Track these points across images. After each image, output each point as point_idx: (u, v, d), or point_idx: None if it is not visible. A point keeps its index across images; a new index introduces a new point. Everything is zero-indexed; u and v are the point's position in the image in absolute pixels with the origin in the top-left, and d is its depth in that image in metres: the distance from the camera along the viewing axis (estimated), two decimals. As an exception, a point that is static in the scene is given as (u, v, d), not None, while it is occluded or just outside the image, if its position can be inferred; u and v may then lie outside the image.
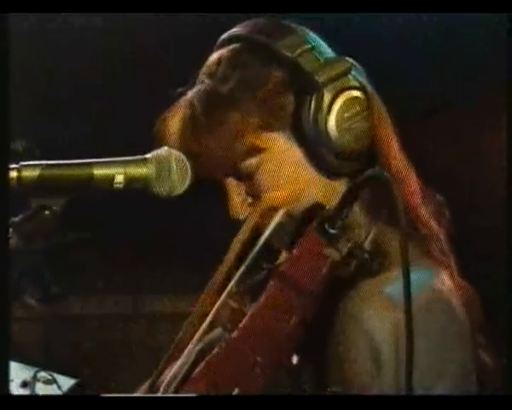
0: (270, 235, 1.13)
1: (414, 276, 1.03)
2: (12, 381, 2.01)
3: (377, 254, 1.08)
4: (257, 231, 1.22)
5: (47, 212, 1.01)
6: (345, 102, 1.16)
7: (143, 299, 2.94)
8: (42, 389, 2.00)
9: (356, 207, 1.15)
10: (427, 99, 2.32)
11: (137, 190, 1.07)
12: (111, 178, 1.04)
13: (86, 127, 2.66)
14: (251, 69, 1.18)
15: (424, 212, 1.22)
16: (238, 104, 1.17)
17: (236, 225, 1.30)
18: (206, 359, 1.07)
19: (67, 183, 1.02)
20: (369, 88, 1.20)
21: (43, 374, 2.02)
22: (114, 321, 2.92)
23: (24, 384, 2.00)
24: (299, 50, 1.17)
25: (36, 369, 2.03)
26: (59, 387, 2.01)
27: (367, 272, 1.08)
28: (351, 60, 1.20)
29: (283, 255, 1.20)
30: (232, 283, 1.11)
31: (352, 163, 1.18)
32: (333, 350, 1.10)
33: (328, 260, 1.06)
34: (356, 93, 1.17)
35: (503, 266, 1.34)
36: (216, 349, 1.07)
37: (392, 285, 1.09)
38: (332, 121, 1.16)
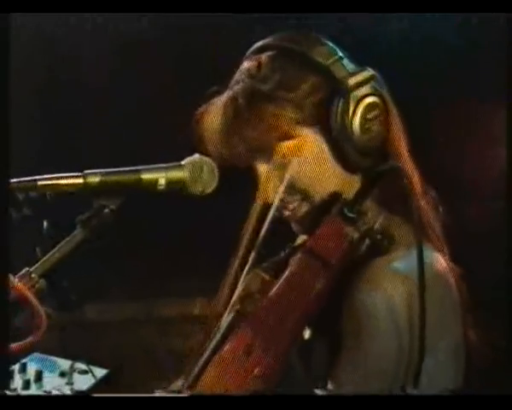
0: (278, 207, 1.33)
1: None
2: (51, 372, 2.24)
3: (387, 236, 1.31)
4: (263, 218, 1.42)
5: (106, 210, 1.27)
6: (366, 106, 1.38)
7: (156, 304, 3.02)
8: (78, 379, 2.21)
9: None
10: (428, 98, 2.37)
11: (176, 191, 1.32)
12: (155, 182, 1.30)
13: (87, 128, 2.70)
14: (289, 72, 1.39)
15: (424, 204, 1.44)
16: (276, 101, 1.37)
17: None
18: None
19: (122, 186, 1.28)
20: (386, 96, 1.42)
21: (78, 365, 2.23)
22: (129, 326, 2.99)
23: (62, 374, 2.21)
24: (331, 59, 1.39)
25: (72, 360, 2.24)
26: (94, 376, 2.21)
27: (379, 250, 1.30)
28: (372, 70, 1.41)
29: (301, 238, 1.43)
30: (254, 251, 1.32)
31: (368, 160, 1.39)
32: (350, 316, 1.30)
33: (347, 238, 1.28)
34: (375, 99, 1.39)
35: (502, 266, 1.51)
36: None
37: (400, 262, 1.32)
38: (356, 122, 1.37)
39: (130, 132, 2.59)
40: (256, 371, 1.22)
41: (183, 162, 1.33)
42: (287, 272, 1.28)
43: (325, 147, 1.40)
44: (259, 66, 1.40)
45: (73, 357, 2.27)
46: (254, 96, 1.38)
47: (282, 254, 1.40)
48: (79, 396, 1.99)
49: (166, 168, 1.31)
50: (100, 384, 2.21)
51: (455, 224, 1.48)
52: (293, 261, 1.29)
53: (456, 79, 2.35)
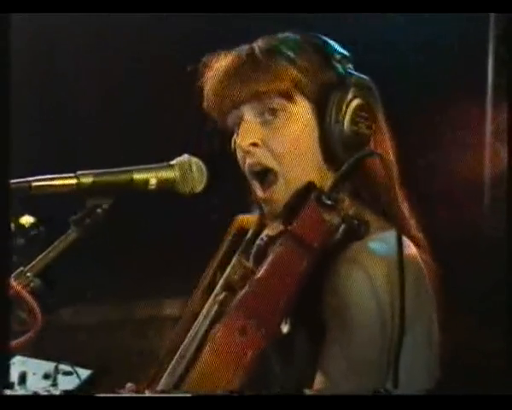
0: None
1: (394, 240, 1.34)
2: (34, 374, 2.25)
3: (363, 221, 1.37)
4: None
5: (99, 209, 1.30)
6: (358, 105, 1.46)
7: (131, 305, 3.08)
8: (62, 380, 2.23)
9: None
10: (421, 97, 2.46)
11: (165, 190, 1.36)
12: (146, 181, 1.33)
13: (87, 128, 2.76)
14: (308, 52, 1.49)
15: (402, 202, 1.52)
16: (290, 61, 1.45)
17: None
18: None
19: (114, 186, 1.31)
20: (376, 103, 1.51)
21: (63, 366, 2.25)
22: (104, 328, 3.04)
23: (46, 376, 2.22)
24: (341, 55, 1.50)
25: (56, 362, 2.26)
26: (78, 377, 2.23)
27: (355, 235, 1.36)
28: (368, 79, 1.51)
29: (273, 227, 1.48)
30: (243, 244, 1.39)
31: (348, 156, 1.43)
32: (332, 297, 1.36)
33: (327, 224, 1.34)
34: (367, 106, 1.47)
35: (503, 266, 1.58)
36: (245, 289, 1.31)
37: (376, 244, 1.39)
38: (348, 115, 1.45)
39: (127, 132, 2.61)
40: (249, 354, 1.26)
41: (172, 162, 1.37)
42: (271, 257, 1.33)
43: (314, 127, 1.47)
44: (284, 37, 1.51)
45: (54, 359, 2.29)
46: (273, 50, 1.47)
47: (260, 243, 1.45)
48: (71, 395, 2.02)
49: (157, 168, 1.34)
50: (84, 385, 2.23)
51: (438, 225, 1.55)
52: (277, 247, 1.34)
53: (449, 80, 2.43)
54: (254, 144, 1.46)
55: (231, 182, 1.49)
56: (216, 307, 1.40)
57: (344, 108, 1.45)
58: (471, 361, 2.11)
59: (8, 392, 1.29)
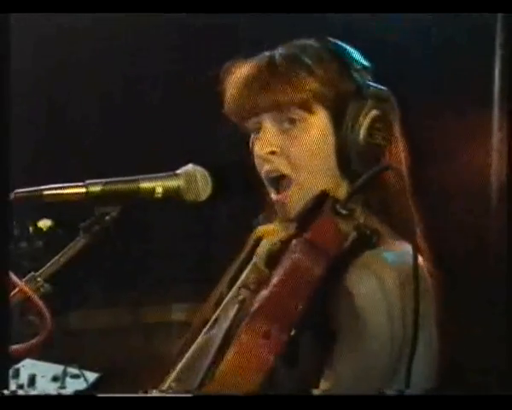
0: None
1: (405, 249, 1.38)
2: (43, 377, 2.30)
3: (374, 231, 1.41)
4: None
5: (107, 217, 1.35)
6: (375, 117, 1.49)
7: (141, 310, 3.07)
8: (70, 383, 2.28)
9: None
10: (426, 98, 2.44)
11: (171, 198, 1.41)
12: (152, 190, 1.38)
13: (86, 128, 2.74)
14: (328, 62, 1.51)
15: (412, 213, 1.54)
16: (310, 71, 1.49)
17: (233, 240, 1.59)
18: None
19: (121, 194, 1.36)
20: (394, 115, 1.53)
21: (71, 369, 2.30)
22: (113, 333, 3.03)
23: (54, 379, 2.27)
24: (360, 65, 1.53)
25: (64, 365, 2.31)
26: (86, 380, 2.28)
27: (367, 244, 1.41)
28: (386, 90, 1.53)
29: (282, 234, 1.51)
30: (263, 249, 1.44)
31: (362, 166, 1.48)
32: (343, 302, 1.38)
33: (341, 232, 1.39)
34: (384, 117, 1.50)
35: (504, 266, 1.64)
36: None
37: (388, 254, 1.43)
38: (364, 126, 1.48)
39: (133, 140, 2.61)
40: (271, 358, 1.29)
41: (178, 171, 1.41)
42: (289, 262, 1.37)
43: (331, 137, 1.51)
44: (304, 45, 1.54)
45: (63, 363, 2.33)
46: (292, 60, 1.50)
47: (273, 248, 1.49)
48: (77, 396, 2.06)
49: (163, 177, 1.39)
50: (92, 388, 2.28)
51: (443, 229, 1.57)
52: (293, 253, 1.38)
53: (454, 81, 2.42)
54: (273, 152, 1.50)
55: (239, 190, 1.52)
56: (236, 306, 1.45)
57: (361, 119, 1.48)
58: (471, 362, 2.13)
59: (7, 392, 1.31)
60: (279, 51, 1.53)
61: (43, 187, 1.30)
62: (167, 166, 1.44)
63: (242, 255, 1.58)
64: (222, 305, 1.52)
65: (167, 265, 2.82)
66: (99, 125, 2.69)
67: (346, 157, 1.49)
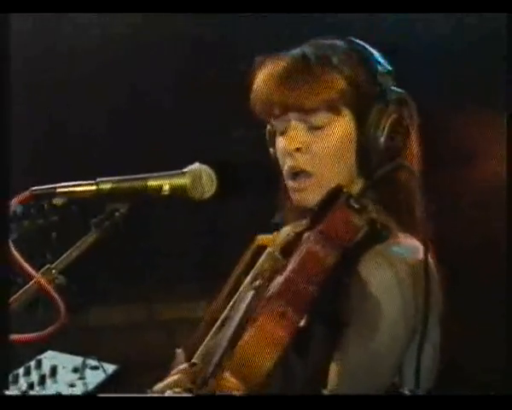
0: None
1: (413, 244, 1.44)
2: (64, 368, 2.39)
3: (385, 226, 1.48)
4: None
5: (117, 213, 1.43)
6: (396, 120, 1.57)
7: (157, 307, 3.11)
8: (89, 374, 2.37)
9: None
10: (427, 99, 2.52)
11: (178, 196, 1.48)
12: (160, 188, 1.46)
13: (86, 128, 2.74)
14: (356, 64, 1.58)
15: (422, 210, 1.56)
16: (340, 72, 1.56)
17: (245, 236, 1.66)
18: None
19: (130, 191, 1.44)
20: (412, 119, 1.59)
21: (90, 361, 2.39)
22: (130, 330, 3.07)
23: (75, 370, 2.36)
24: (386, 70, 1.59)
25: (84, 357, 2.40)
26: (104, 371, 2.37)
27: (378, 238, 1.47)
28: (406, 94, 1.59)
29: (296, 225, 1.59)
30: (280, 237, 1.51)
31: (381, 165, 1.53)
32: (358, 284, 1.44)
33: (353, 225, 1.45)
34: (402, 118, 1.58)
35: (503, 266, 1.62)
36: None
37: (399, 247, 1.49)
38: (387, 127, 1.56)
39: (140, 139, 2.64)
40: (287, 338, 1.35)
41: (184, 170, 1.49)
42: (303, 250, 1.44)
43: (354, 138, 1.58)
44: (333, 45, 1.60)
45: (84, 355, 2.41)
46: (324, 59, 1.57)
47: (288, 238, 1.57)
48: (78, 396, 2.13)
49: (170, 176, 1.47)
50: (110, 380, 2.36)
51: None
52: (307, 242, 1.45)
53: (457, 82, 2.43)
54: (298, 149, 1.57)
55: (246, 189, 1.58)
56: (252, 292, 1.51)
57: (383, 121, 1.56)
58: (471, 362, 2.16)
59: (9, 392, 1.39)
60: (311, 49, 1.59)
61: (56, 185, 1.39)
62: (176, 165, 1.51)
63: (243, 263, 1.65)
64: (238, 292, 1.60)
65: (174, 262, 2.86)
66: (105, 127, 2.72)
67: (366, 157, 1.57)
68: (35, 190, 1.39)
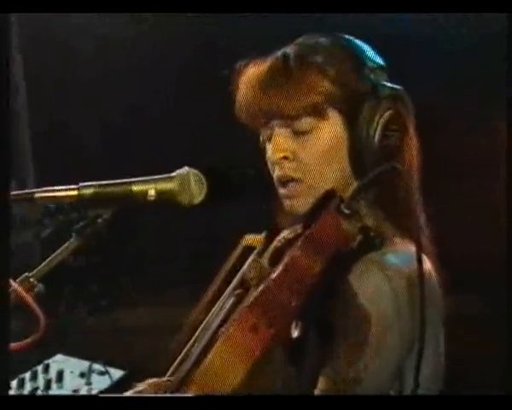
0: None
1: (410, 251, 1.35)
2: (72, 373, 2.35)
3: (379, 233, 1.39)
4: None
5: (100, 219, 1.37)
6: (390, 118, 1.47)
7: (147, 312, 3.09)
8: (96, 380, 2.33)
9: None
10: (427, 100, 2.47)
11: (165, 201, 1.42)
12: (145, 193, 1.39)
13: (86, 128, 2.74)
14: (340, 61, 1.49)
15: (419, 214, 1.52)
16: (322, 72, 1.46)
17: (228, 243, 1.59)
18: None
19: (114, 197, 1.38)
20: (408, 115, 1.50)
21: (96, 366, 2.35)
22: (153, 332, 3.02)
23: (82, 375, 2.33)
24: (375, 65, 1.50)
25: (90, 362, 2.36)
26: (110, 377, 2.33)
27: (371, 246, 1.39)
28: (401, 89, 1.50)
29: (287, 232, 1.50)
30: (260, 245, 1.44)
31: (377, 166, 1.43)
32: (348, 294, 1.37)
33: (344, 232, 1.37)
34: (397, 115, 1.48)
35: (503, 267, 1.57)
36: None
37: (393, 256, 1.41)
38: (379, 126, 1.46)
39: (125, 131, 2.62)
40: (257, 352, 1.29)
41: (172, 174, 1.42)
42: (287, 259, 1.36)
43: (344, 140, 1.48)
44: (316, 44, 1.51)
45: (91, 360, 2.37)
46: (305, 60, 1.48)
47: (277, 245, 1.49)
48: (78, 396, 2.10)
49: (156, 180, 1.40)
50: (116, 385, 2.32)
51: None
52: (293, 249, 1.37)
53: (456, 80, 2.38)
54: (285, 157, 1.49)
55: (235, 194, 1.52)
56: (233, 299, 1.45)
57: (376, 120, 1.46)
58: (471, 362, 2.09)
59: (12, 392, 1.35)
60: (292, 50, 1.50)
61: (34, 190, 1.33)
62: (165, 169, 1.45)
63: (230, 263, 1.58)
64: (219, 300, 1.53)
65: (160, 268, 2.82)
66: (98, 130, 2.72)
67: (360, 158, 1.47)
68: (14, 195, 1.33)
